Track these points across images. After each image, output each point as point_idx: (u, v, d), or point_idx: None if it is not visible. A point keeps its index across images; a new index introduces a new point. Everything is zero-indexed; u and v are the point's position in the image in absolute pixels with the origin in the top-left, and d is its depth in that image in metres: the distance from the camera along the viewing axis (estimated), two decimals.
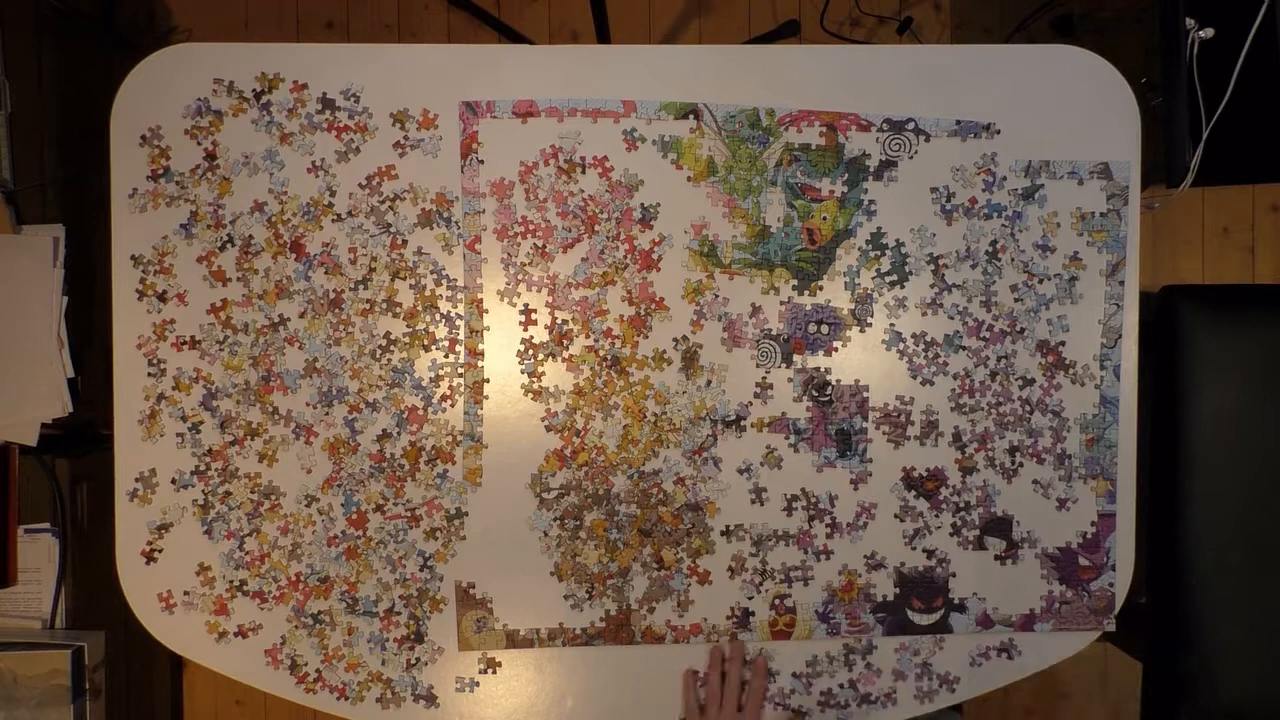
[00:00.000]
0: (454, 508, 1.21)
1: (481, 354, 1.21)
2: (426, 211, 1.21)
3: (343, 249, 1.21)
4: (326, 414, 1.20)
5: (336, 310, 1.20)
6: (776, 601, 1.23)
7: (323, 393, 1.20)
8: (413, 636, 1.21)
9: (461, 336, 1.21)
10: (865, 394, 1.23)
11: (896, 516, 1.23)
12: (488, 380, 1.21)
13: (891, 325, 1.23)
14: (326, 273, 1.21)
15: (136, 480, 1.20)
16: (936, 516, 1.23)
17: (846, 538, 1.23)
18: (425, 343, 1.21)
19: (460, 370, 1.21)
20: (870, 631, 1.23)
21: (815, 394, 1.23)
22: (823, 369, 1.23)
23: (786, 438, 1.22)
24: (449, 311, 1.21)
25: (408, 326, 1.21)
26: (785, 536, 1.23)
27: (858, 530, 1.23)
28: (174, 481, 1.20)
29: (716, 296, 1.22)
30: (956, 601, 1.24)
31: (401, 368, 1.21)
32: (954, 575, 1.24)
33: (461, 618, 1.21)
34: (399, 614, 1.21)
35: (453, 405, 1.21)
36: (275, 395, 1.20)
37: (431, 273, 1.21)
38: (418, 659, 1.21)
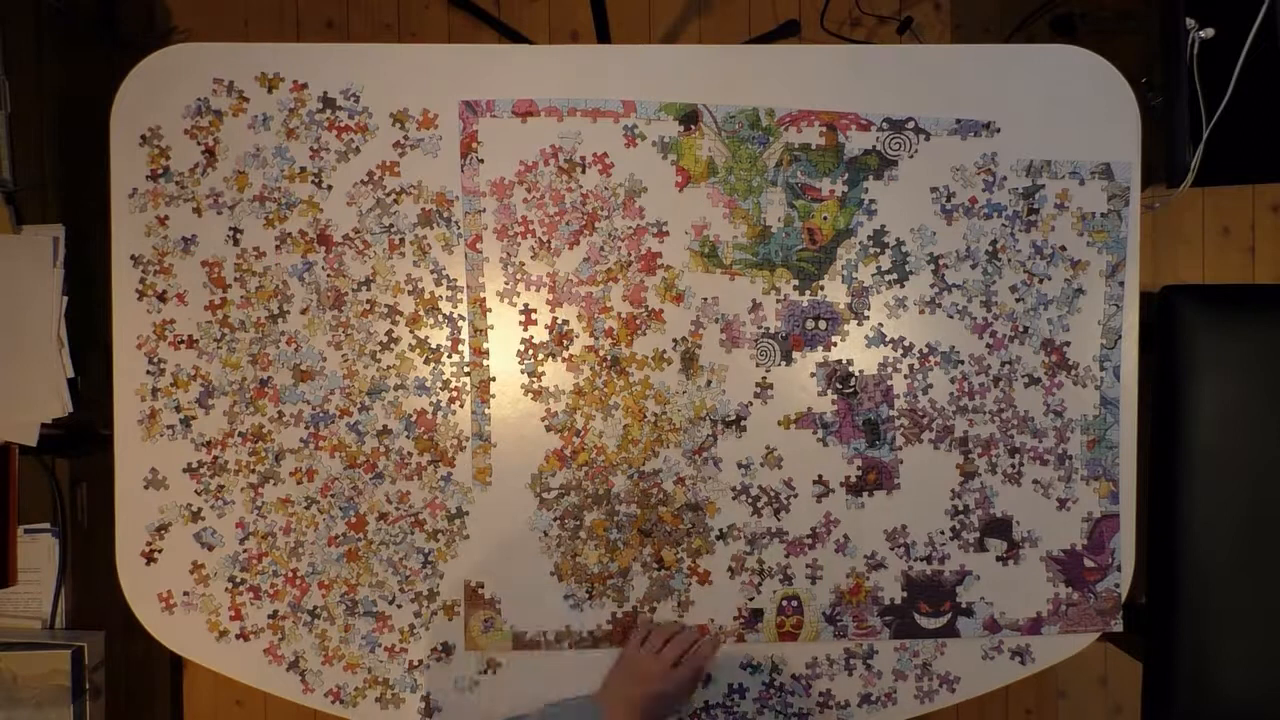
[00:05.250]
0: (455, 508, 1.21)
1: (486, 353, 1.21)
2: (427, 211, 1.21)
3: (344, 249, 1.20)
4: (327, 415, 1.20)
5: (336, 312, 1.20)
6: (784, 603, 1.23)
7: (324, 394, 1.20)
8: (413, 636, 1.21)
9: (465, 337, 1.21)
10: (889, 382, 1.23)
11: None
12: (494, 379, 1.21)
13: (880, 324, 1.24)
14: (329, 275, 1.20)
15: (146, 486, 1.20)
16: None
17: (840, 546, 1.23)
18: (427, 343, 1.21)
19: (466, 370, 1.21)
20: (878, 634, 1.23)
21: (839, 387, 1.23)
22: (844, 360, 1.23)
23: (814, 432, 1.22)
24: (450, 312, 1.21)
25: (410, 327, 1.21)
26: (779, 534, 1.23)
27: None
28: (169, 484, 1.20)
29: (707, 300, 1.22)
30: (964, 606, 1.24)
31: (403, 369, 1.21)
32: (961, 580, 1.24)
33: (470, 618, 1.21)
34: (399, 614, 1.21)
35: (461, 406, 1.21)
36: (276, 395, 1.20)
37: (432, 272, 1.21)
38: (419, 660, 1.21)
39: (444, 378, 1.21)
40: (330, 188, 1.21)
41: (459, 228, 1.21)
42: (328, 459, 1.20)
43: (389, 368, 1.21)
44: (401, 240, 1.21)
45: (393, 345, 1.21)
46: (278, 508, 1.20)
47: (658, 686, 1.16)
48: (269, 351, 1.20)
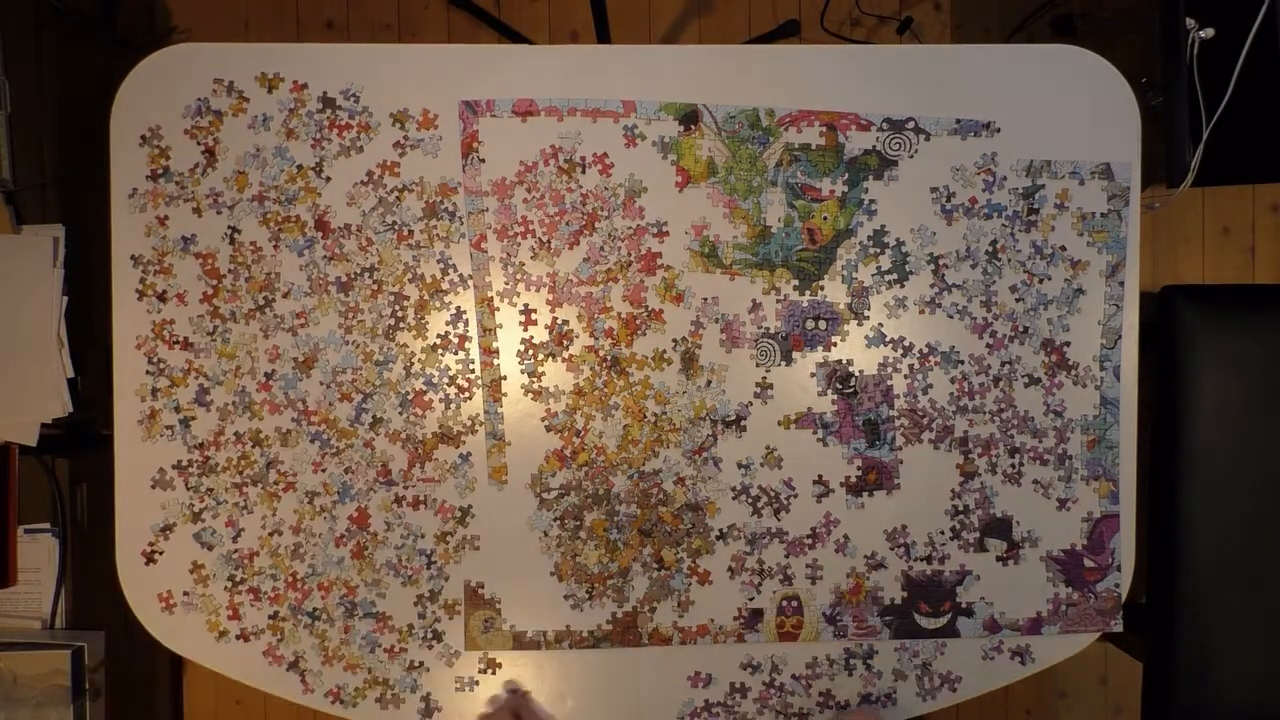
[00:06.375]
0: (459, 507, 1.21)
1: (496, 352, 1.21)
2: (431, 204, 1.21)
3: (343, 239, 1.20)
4: (331, 409, 1.20)
5: (344, 296, 1.20)
6: (784, 603, 1.23)
7: (325, 387, 1.20)
8: (412, 636, 1.21)
9: (473, 334, 1.21)
10: (889, 382, 1.23)
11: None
12: (504, 378, 1.21)
13: (880, 324, 1.24)
14: (328, 259, 1.20)
15: (153, 485, 1.20)
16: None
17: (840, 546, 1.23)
18: (434, 342, 1.21)
19: (473, 367, 1.21)
20: (878, 634, 1.23)
21: (839, 387, 1.23)
22: (844, 360, 1.23)
23: (814, 432, 1.22)
24: (456, 307, 1.21)
25: (418, 313, 1.21)
26: (779, 534, 1.23)
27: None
28: (164, 482, 1.20)
29: (707, 300, 1.22)
30: (964, 606, 1.24)
31: (411, 364, 1.21)
32: (961, 580, 1.24)
33: (469, 617, 1.21)
34: (400, 614, 1.21)
35: (469, 398, 1.21)
36: (276, 393, 1.20)
37: (439, 263, 1.21)
38: (420, 661, 1.21)
39: (450, 374, 1.21)
40: (329, 179, 1.21)
41: (462, 224, 1.21)
42: (334, 457, 1.20)
43: (402, 345, 1.20)
44: (410, 232, 1.21)
45: (399, 327, 1.20)
46: (272, 502, 1.20)
47: None
48: (277, 342, 1.20)
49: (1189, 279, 2.04)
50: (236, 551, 1.20)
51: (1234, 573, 1.50)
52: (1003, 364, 1.24)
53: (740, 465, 1.23)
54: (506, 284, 1.21)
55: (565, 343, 1.22)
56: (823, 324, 1.23)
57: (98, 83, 1.70)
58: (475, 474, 1.21)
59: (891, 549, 1.23)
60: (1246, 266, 2.05)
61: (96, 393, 1.42)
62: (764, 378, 1.23)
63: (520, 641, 1.22)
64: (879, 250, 1.23)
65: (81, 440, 1.49)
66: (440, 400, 1.21)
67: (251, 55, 1.21)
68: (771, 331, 1.23)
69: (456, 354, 1.21)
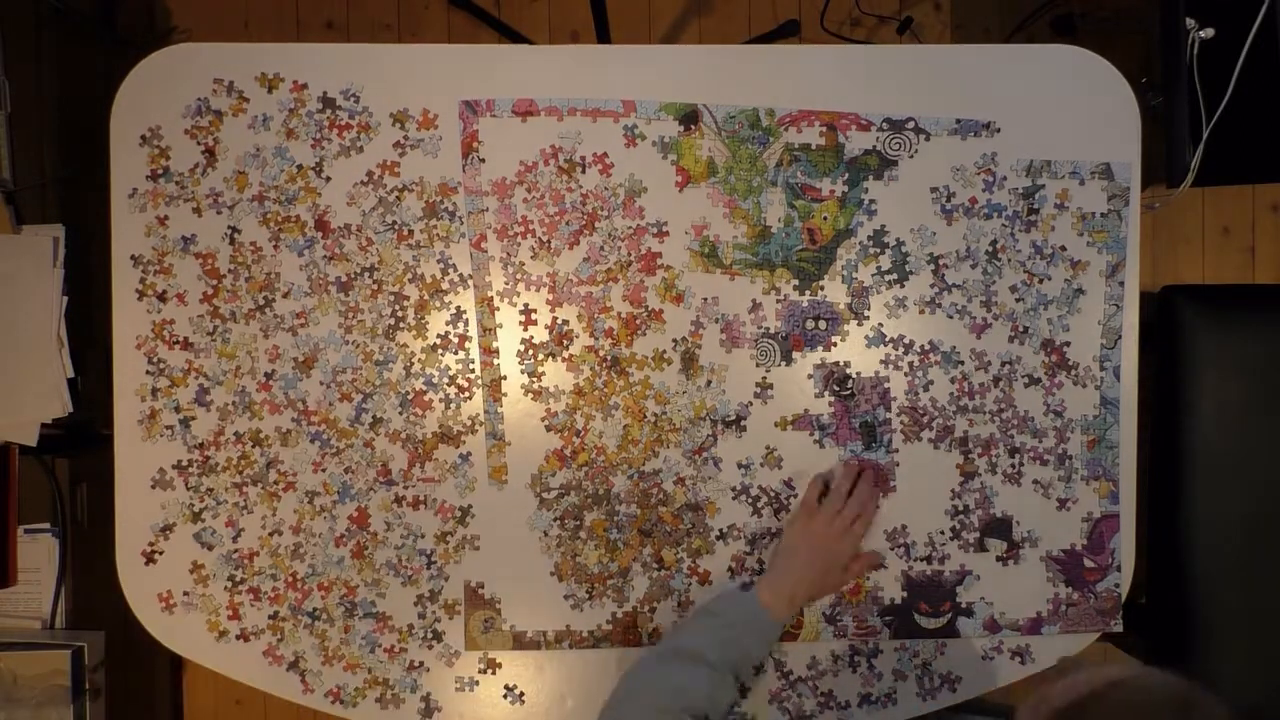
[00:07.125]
0: (459, 507, 1.21)
1: (496, 352, 1.21)
2: (431, 204, 1.21)
3: (343, 239, 1.20)
4: (331, 409, 1.20)
5: (344, 295, 1.20)
6: None
7: (325, 387, 1.20)
8: (411, 636, 1.21)
9: (473, 334, 1.21)
10: (886, 384, 1.23)
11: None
12: (504, 378, 1.21)
13: (880, 324, 1.24)
14: (328, 259, 1.20)
15: (153, 485, 1.20)
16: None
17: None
18: (434, 342, 1.21)
19: (472, 366, 1.21)
20: (878, 635, 1.23)
21: (836, 388, 1.23)
22: (841, 362, 1.23)
23: (811, 434, 1.22)
24: (456, 307, 1.21)
25: (418, 313, 1.21)
26: (779, 534, 1.23)
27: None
28: (164, 482, 1.20)
29: (707, 300, 1.22)
30: (964, 606, 1.24)
31: (411, 364, 1.21)
32: (961, 580, 1.24)
33: (469, 617, 1.21)
34: (400, 614, 1.21)
35: (469, 398, 1.21)
36: (276, 393, 1.20)
37: (439, 263, 1.21)
38: (419, 661, 1.21)
39: (450, 374, 1.21)
40: (329, 179, 1.21)
41: (463, 224, 1.21)
42: (334, 456, 1.20)
43: (402, 345, 1.20)
44: (410, 232, 1.21)
45: (399, 327, 1.20)
46: (272, 502, 1.20)
47: (834, 557, 1.17)
48: (277, 342, 1.20)
49: (1189, 279, 2.04)
50: (236, 551, 1.20)
51: (1234, 573, 1.50)
52: (1003, 364, 1.24)
53: (740, 465, 1.23)
54: (506, 284, 1.22)
55: (565, 343, 1.22)
56: (823, 324, 1.23)
57: (98, 83, 1.70)
58: (475, 474, 1.21)
59: (891, 549, 1.23)
60: (1246, 266, 2.05)
61: (96, 393, 1.42)
62: (764, 378, 1.23)
63: (520, 641, 1.22)
64: (879, 250, 1.23)
65: (81, 440, 1.49)
66: (440, 400, 1.21)
67: (251, 55, 1.21)
68: (771, 331, 1.23)
69: (456, 354, 1.21)
